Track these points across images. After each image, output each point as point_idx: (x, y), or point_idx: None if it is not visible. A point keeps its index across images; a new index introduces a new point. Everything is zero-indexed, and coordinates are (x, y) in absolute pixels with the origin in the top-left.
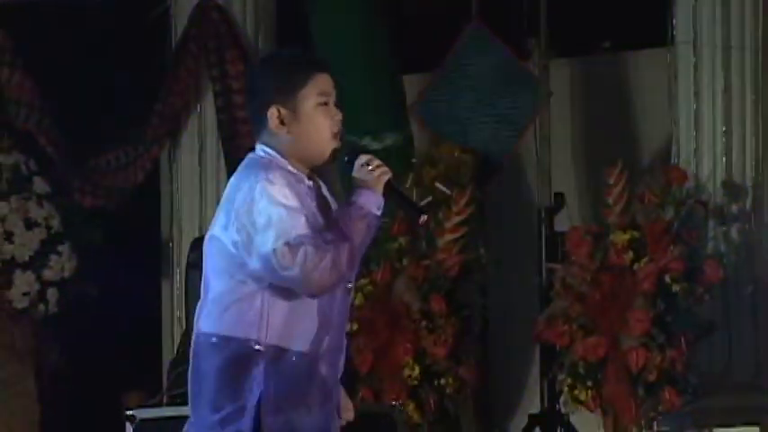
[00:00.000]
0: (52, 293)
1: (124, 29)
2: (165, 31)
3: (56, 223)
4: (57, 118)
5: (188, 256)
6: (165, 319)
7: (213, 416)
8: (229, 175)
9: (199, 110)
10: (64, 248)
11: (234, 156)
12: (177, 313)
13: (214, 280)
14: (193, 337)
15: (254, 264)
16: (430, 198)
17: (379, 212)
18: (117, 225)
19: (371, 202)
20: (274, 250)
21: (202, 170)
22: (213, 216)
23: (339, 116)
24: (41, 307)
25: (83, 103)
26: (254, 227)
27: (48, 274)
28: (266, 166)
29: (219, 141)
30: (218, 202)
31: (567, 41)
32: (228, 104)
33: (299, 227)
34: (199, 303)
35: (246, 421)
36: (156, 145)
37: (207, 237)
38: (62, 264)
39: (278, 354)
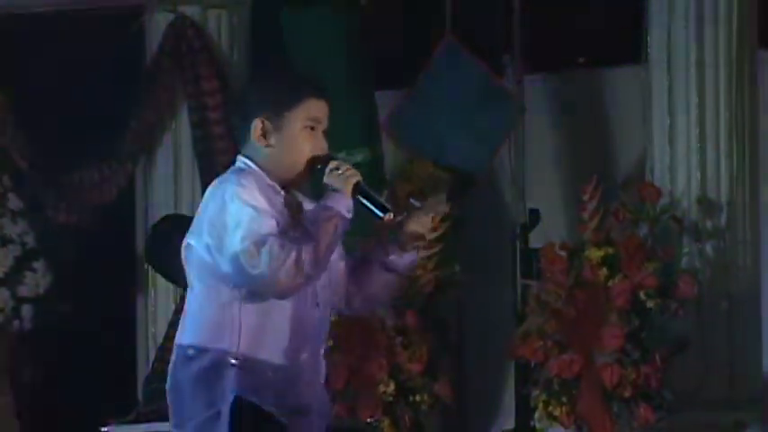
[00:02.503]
0: (27, 310)
1: (98, 44)
2: (140, 47)
3: (30, 240)
4: (30, 134)
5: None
6: (140, 335)
7: (189, 424)
8: (204, 191)
9: (173, 126)
10: (39, 265)
11: (209, 172)
12: (152, 329)
13: (191, 291)
14: (173, 350)
15: (226, 266)
16: (405, 214)
17: (348, 215)
18: (92, 241)
19: (340, 204)
20: (242, 250)
21: (177, 186)
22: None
23: (324, 145)
24: (16, 323)
25: (56, 119)
26: (225, 228)
27: (22, 290)
28: (239, 172)
29: (194, 157)
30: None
31: (542, 57)
32: (203, 120)
33: (267, 227)
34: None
35: (222, 425)
36: (131, 161)
37: (184, 245)
38: (37, 280)
39: (250, 363)
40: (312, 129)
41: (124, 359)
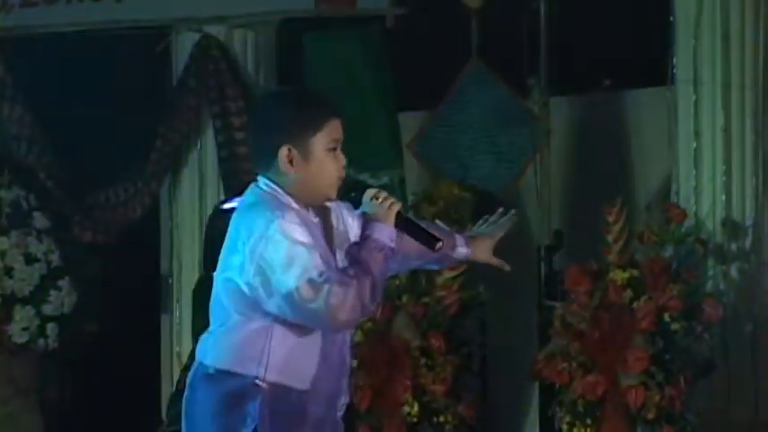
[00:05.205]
0: (52, 328)
1: (125, 64)
2: (166, 66)
3: (55, 258)
4: (57, 153)
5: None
6: (165, 354)
7: None
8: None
9: (199, 146)
10: (64, 283)
11: (234, 191)
12: (176, 348)
13: (222, 315)
14: (193, 367)
15: (275, 303)
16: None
17: (392, 244)
18: (117, 260)
19: (384, 234)
20: (297, 288)
21: (202, 206)
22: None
23: (344, 162)
24: (41, 342)
25: (83, 138)
26: (272, 267)
27: (47, 308)
28: (274, 203)
29: (220, 177)
30: None
31: (568, 80)
32: (229, 141)
33: (318, 263)
34: (204, 335)
35: None
36: (156, 180)
37: (220, 277)
38: (62, 299)
39: (277, 391)
40: (334, 149)
41: (148, 378)
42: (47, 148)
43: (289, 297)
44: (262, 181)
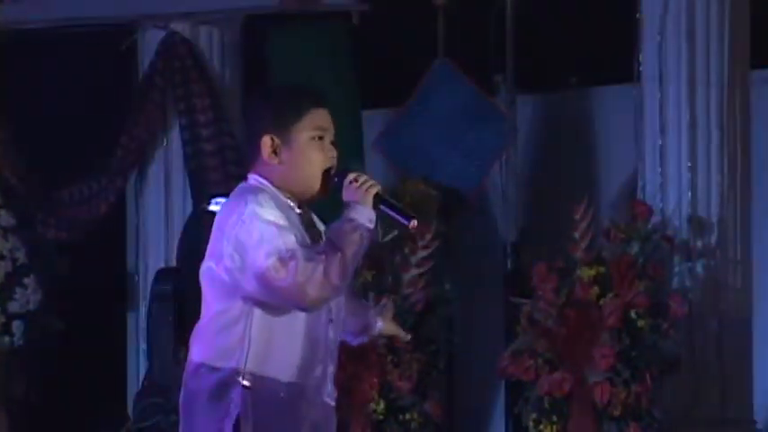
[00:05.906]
0: (17, 326)
1: (91, 60)
2: (132, 63)
3: (21, 255)
4: (22, 150)
5: (152, 288)
6: (131, 351)
7: None
8: (195, 207)
9: (165, 142)
10: (29, 281)
11: (200, 188)
12: (143, 345)
13: (206, 308)
14: (186, 363)
15: (250, 283)
16: (395, 233)
17: (371, 225)
18: (83, 257)
19: (363, 215)
20: (267, 266)
21: (168, 203)
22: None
23: (333, 153)
24: (7, 339)
25: (48, 135)
26: (245, 247)
27: (13, 306)
28: (255, 191)
29: (185, 174)
30: None
31: (534, 77)
32: (195, 138)
33: (290, 242)
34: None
35: None
36: (122, 177)
37: (203, 268)
38: (27, 296)
39: (257, 381)
40: (320, 138)
41: (114, 375)
42: (12, 146)
43: (260, 275)
44: (251, 177)
